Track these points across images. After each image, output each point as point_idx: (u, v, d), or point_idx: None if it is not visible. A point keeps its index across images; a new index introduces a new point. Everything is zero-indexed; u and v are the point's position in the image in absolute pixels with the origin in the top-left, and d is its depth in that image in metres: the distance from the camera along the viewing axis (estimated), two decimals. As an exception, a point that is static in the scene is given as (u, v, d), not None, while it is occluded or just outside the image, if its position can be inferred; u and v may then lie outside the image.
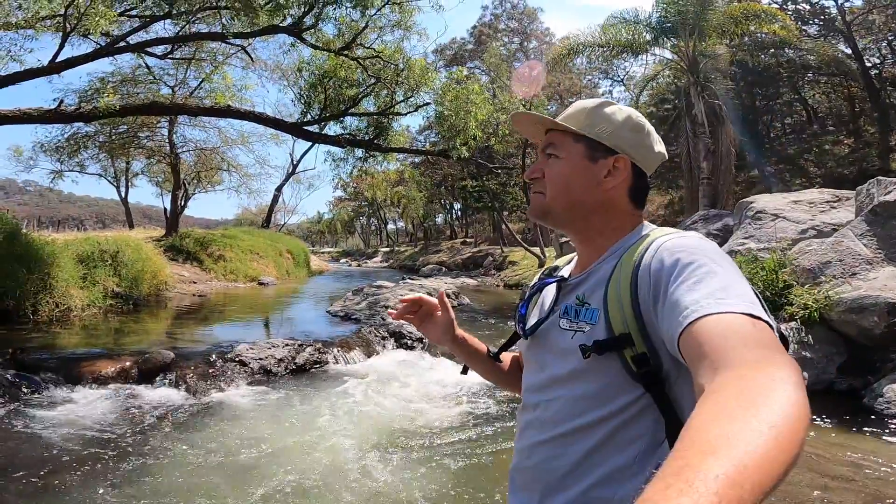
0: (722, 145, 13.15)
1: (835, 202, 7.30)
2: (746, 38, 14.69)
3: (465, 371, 1.19)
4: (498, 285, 18.46)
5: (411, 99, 10.30)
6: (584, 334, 0.80)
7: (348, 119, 11.04)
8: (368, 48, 9.99)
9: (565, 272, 0.97)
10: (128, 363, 5.04)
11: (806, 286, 4.94)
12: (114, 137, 16.18)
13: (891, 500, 2.57)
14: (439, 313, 1.09)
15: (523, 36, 33.84)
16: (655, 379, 0.73)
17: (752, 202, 7.71)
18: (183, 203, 19.29)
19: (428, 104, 10.52)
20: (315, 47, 9.97)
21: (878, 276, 4.44)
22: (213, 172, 21.24)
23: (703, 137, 12.95)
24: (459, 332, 1.10)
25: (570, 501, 0.78)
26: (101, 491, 2.94)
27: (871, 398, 3.95)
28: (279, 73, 15.88)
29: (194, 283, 13.37)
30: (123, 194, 24.33)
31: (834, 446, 3.33)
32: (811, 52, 15.44)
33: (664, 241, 0.77)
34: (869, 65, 19.49)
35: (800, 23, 17.92)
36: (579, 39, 13.81)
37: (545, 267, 1.07)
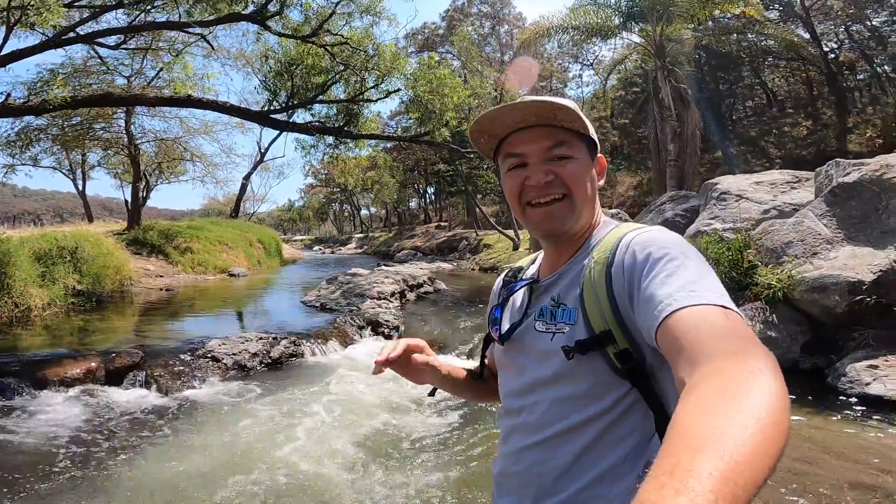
0: (688, 128, 13.45)
1: (795, 183, 7.56)
2: (711, 23, 14.98)
3: (432, 393, 1.15)
4: (473, 269, 18.56)
5: (382, 85, 10.12)
6: (563, 335, 0.79)
7: (317, 106, 10.78)
8: (336, 35, 9.70)
9: (531, 272, 0.97)
10: (94, 364, 4.85)
11: (770, 266, 5.09)
12: (67, 130, 15.44)
13: (854, 480, 2.63)
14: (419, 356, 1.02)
15: (495, 20, 33.46)
16: (640, 373, 0.74)
17: (716, 183, 7.91)
18: (145, 195, 18.60)
19: (399, 90, 10.36)
20: (281, 35, 9.62)
21: (839, 256, 4.61)
22: (175, 163, 20.48)
23: (669, 120, 13.22)
24: (434, 361, 1.04)
25: (566, 501, 0.77)
26: (71, 499, 2.84)
27: (834, 378, 4.01)
28: (243, 61, 15.36)
29: (160, 276, 12.94)
30: (81, 187, 23.23)
31: (799, 426, 3.39)
32: (771, 37, 15.86)
33: (634, 237, 0.77)
34: (826, 49, 20.14)
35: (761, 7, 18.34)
36: (551, 22, 13.80)
37: (508, 269, 1.05)
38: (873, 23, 19.02)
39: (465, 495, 2.86)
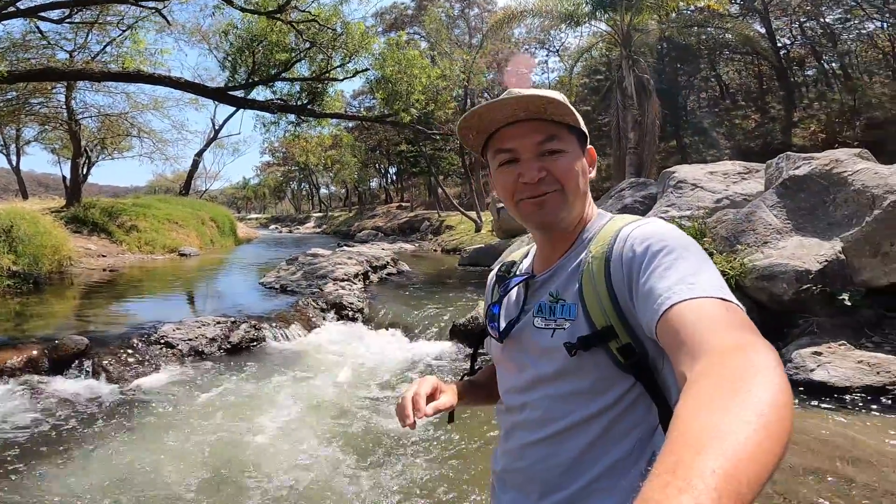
0: (648, 117, 13.79)
1: (746, 174, 7.92)
2: (674, 15, 15.32)
3: (450, 419, 1.08)
4: (436, 250, 18.51)
5: (349, 64, 9.86)
6: (564, 331, 0.78)
7: (279, 83, 10.41)
8: (304, 11, 9.33)
9: (525, 266, 0.96)
10: (35, 352, 4.50)
11: (724, 254, 5.32)
12: (1, 104, 14.50)
13: (801, 465, 2.74)
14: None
15: (465, 3, 32.77)
16: (644, 367, 0.74)
17: (674, 172, 8.18)
18: (85, 171, 17.66)
19: (367, 70, 10.11)
20: (244, 10, 9.13)
21: (787, 246, 4.87)
22: (120, 139, 19.64)
23: (631, 109, 13.50)
24: (450, 401, 0.97)
25: (571, 496, 0.77)
26: (15, 498, 2.63)
27: (781, 364, 4.27)
28: (199, 37, 14.56)
29: (103, 256, 12.22)
30: (14, 163, 21.79)
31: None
32: (729, 31, 16.41)
33: (632, 230, 0.77)
34: (780, 45, 21.02)
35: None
36: (522, 6, 13.72)
37: (500, 263, 1.04)
38: (826, 20, 19.95)
39: (456, 491, 2.78)
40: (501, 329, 0.90)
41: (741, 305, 0.60)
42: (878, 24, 19.56)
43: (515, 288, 0.92)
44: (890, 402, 3.27)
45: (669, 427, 0.43)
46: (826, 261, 4.49)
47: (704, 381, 0.47)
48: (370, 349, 5.62)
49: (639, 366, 0.73)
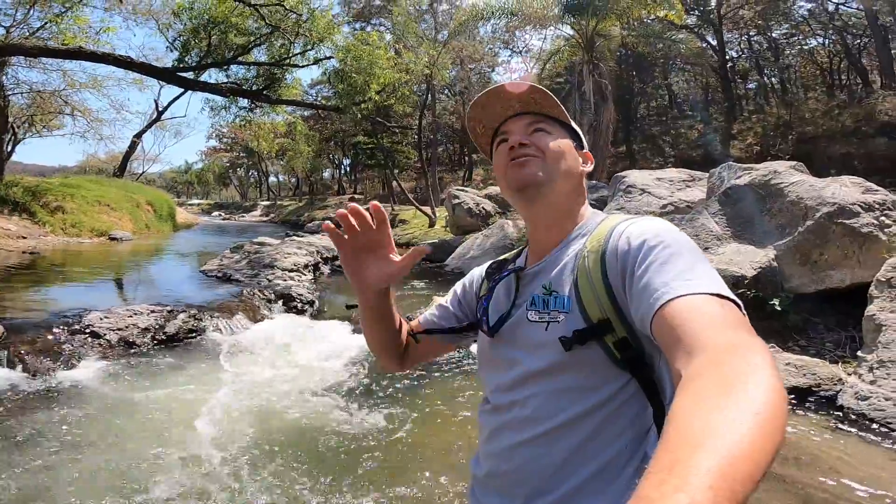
0: (603, 122, 14.20)
1: (690, 181, 8.33)
2: (636, 24, 15.80)
3: (352, 306, 1.03)
4: (389, 245, 18.25)
5: (311, 52, 9.54)
6: (559, 324, 0.77)
7: (234, 67, 9.94)
8: (269, -6, 8.96)
9: (518, 264, 0.94)
10: (-65, 341, 4.02)
11: (669, 258, 5.53)
12: None
13: None
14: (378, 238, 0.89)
15: (435, -3, 32.41)
16: (640, 363, 0.73)
17: (624, 177, 8.49)
18: (10, 148, 16.50)
19: (330, 58, 9.83)
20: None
21: (726, 252, 5.13)
22: (51, 116, 18.62)
23: (588, 113, 13.83)
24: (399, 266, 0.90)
25: (560, 499, 0.74)
26: None
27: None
28: (148, 15, 13.75)
29: (23, 238, 11.25)
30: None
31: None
32: (682, 42, 17.12)
33: (628, 225, 0.77)
34: (727, 58, 22.23)
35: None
36: (490, 6, 13.69)
37: (492, 261, 1.03)
38: (773, 34, 21.22)
39: (387, 484, 2.71)
40: (492, 324, 0.87)
41: (738, 302, 0.60)
42: (820, 40, 21.12)
43: (505, 281, 0.90)
44: (814, 403, 3.50)
45: (665, 425, 0.43)
46: (760, 267, 4.76)
47: (700, 379, 0.47)
48: (319, 343, 5.42)
49: (634, 361, 0.73)
